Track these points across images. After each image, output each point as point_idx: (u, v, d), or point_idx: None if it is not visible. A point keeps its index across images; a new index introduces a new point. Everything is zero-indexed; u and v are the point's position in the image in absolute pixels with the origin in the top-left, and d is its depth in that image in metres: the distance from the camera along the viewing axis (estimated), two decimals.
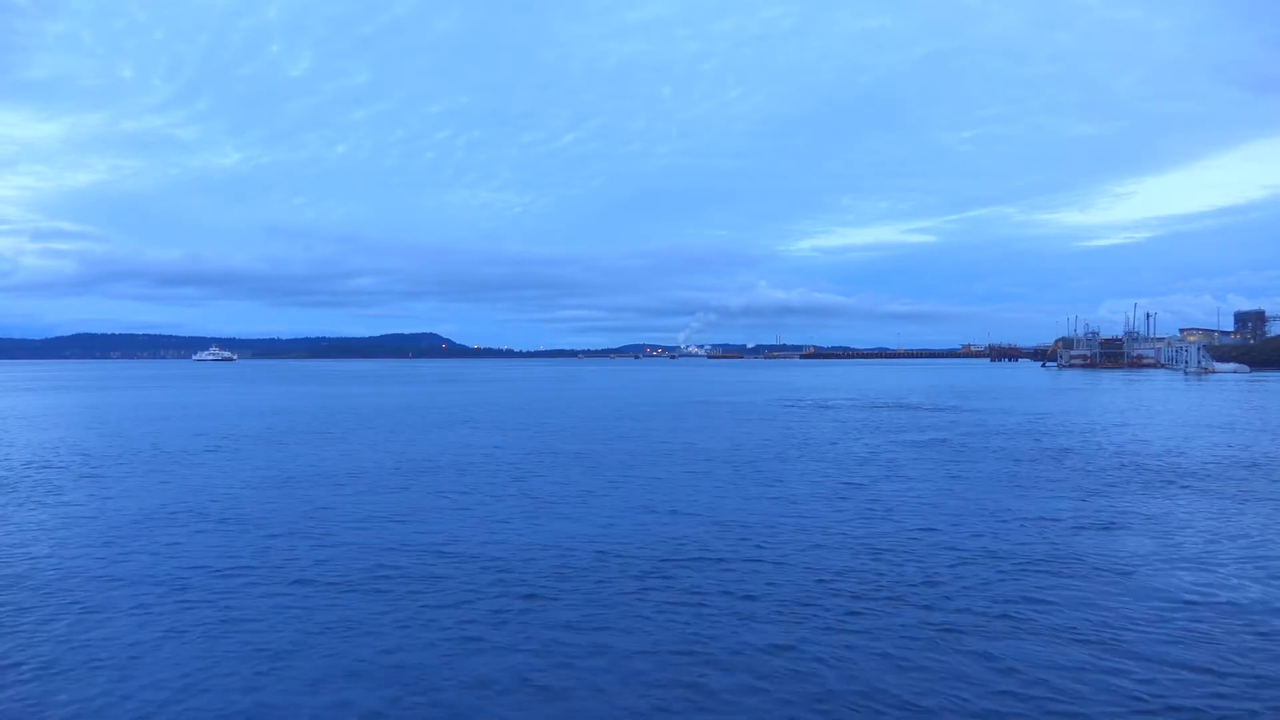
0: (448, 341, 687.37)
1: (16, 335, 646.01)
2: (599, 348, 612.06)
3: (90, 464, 26.26)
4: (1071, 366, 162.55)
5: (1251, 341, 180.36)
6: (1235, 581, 12.28)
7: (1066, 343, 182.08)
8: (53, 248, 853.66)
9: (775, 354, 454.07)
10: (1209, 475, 22.87)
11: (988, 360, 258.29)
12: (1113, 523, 16.55)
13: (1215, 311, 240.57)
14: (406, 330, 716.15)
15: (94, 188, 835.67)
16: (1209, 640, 9.79)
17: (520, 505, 18.86)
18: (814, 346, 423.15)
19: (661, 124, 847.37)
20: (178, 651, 9.71)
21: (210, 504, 19.10)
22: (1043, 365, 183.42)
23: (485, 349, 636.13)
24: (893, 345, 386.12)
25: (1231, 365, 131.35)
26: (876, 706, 8.18)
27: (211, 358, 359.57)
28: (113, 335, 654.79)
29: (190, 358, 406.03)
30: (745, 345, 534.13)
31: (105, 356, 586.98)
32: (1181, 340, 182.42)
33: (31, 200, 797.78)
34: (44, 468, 25.41)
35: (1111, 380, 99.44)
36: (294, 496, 20.16)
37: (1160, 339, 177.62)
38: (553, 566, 13.36)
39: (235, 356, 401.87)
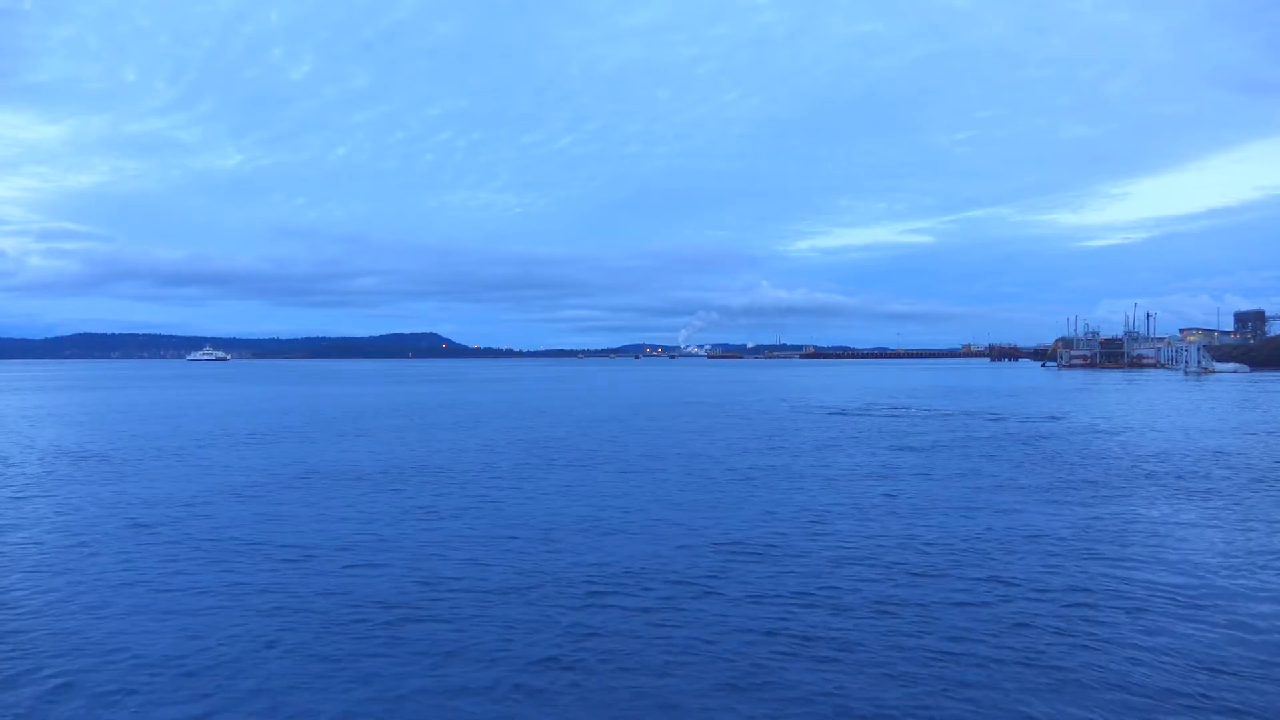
0: (448, 341, 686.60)
1: (17, 335, 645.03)
2: (599, 347, 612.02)
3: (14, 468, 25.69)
4: (1072, 366, 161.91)
5: (1251, 341, 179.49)
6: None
7: (1066, 343, 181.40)
8: (57, 248, 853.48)
9: (775, 354, 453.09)
10: (1223, 479, 22.31)
11: (988, 360, 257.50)
12: (1146, 536, 15.99)
13: (1215, 311, 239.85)
14: (407, 330, 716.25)
15: (96, 189, 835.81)
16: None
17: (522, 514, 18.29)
18: (814, 346, 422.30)
19: (659, 126, 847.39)
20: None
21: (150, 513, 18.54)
22: (1043, 365, 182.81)
23: (485, 349, 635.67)
24: (893, 345, 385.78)
25: (1232, 365, 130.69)
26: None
27: (205, 358, 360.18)
28: (113, 335, 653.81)
29: (184, 358, 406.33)
30: (745, 345, 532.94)
31: (105, 356, 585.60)
32: (1181, 340, 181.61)
33: (35, 201, 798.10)
34: None
35: (1112, 380, 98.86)
36: (249, 503, 19.59)
37: (1160, 339, 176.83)
38: (593, 575, 12.81)
39: (229, 356, 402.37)
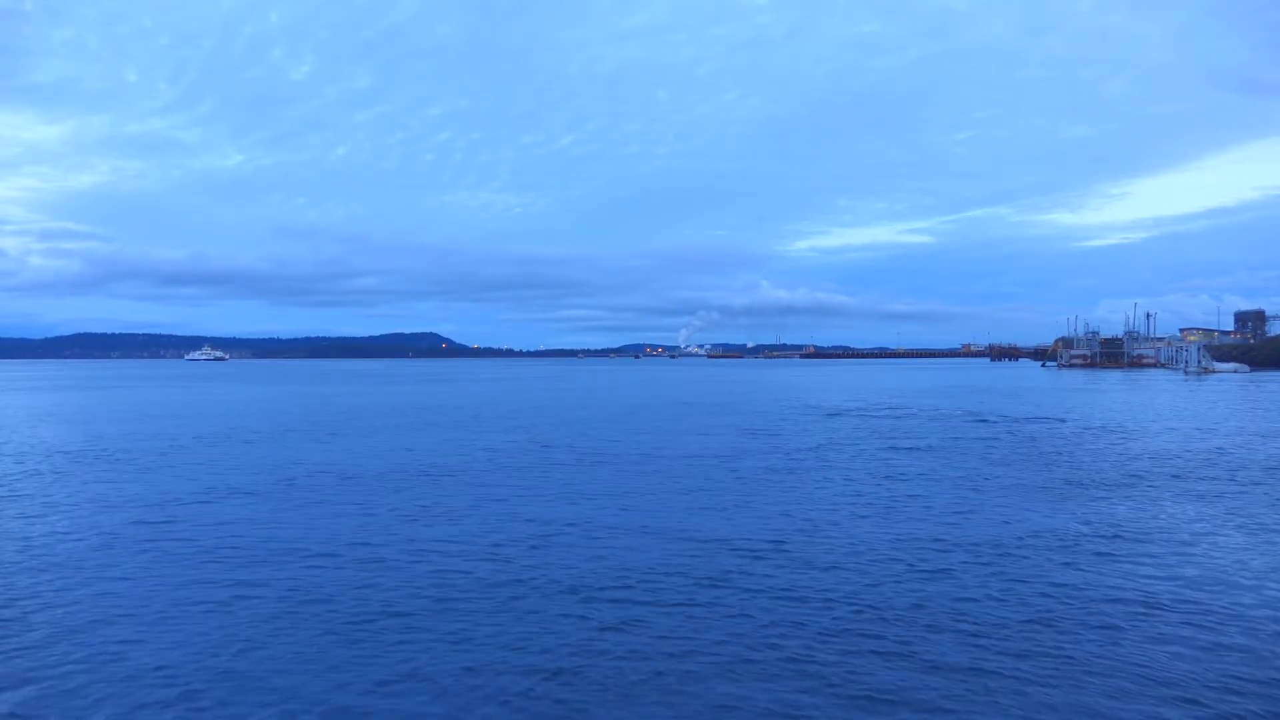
0: (448, 341, 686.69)
1: (17, 335, 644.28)
2: (599, 347, 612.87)
3: None
4: (1072, 366, 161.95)
5: (1251, 341, 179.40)
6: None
7: (1066, 342, 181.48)
8: (58, 248, 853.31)
9: (775, 353, 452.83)
10: (1223, 479, 22.32)
11: (988, 360, 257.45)
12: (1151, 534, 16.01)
13: (1215, 311, 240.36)
14: (407, 330, 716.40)
15: (96, 189, 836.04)
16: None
17: (521, 518, 18.32)
18: (814, 346, 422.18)
19: (659, 126, 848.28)
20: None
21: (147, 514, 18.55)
22: (1042, 365, 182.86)
23: (485, 348, 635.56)
24: (893, 345, 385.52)
25: (1232, 365, 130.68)
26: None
27: (204, 357, 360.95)
28: (113, 335, 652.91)
29: (183, 357, 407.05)
30: (745, 345, 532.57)
31: (105, 356, 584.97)
32: (1182, 340, 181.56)
33: (35, 201, 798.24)
34: None
35: (1112, 380, 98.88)
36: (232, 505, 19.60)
37: (1160, 339, 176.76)
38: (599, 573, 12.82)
39: (227, 356, 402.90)
